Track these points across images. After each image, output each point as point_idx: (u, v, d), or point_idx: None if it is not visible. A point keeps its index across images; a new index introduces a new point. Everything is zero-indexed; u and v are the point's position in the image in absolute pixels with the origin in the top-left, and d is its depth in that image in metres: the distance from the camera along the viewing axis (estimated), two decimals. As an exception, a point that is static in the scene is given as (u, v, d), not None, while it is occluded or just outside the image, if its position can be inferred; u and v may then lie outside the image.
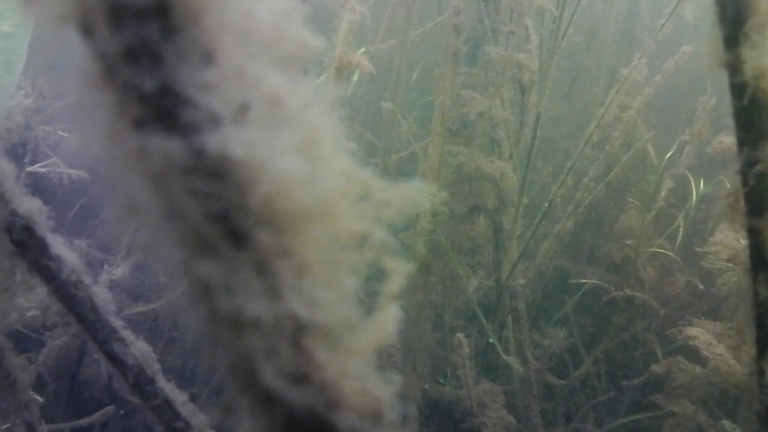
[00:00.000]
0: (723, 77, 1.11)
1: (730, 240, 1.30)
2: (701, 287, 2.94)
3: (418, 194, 0.49)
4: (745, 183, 1.16)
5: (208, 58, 0.39)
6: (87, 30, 0.39)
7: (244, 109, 0.40)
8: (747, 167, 1.13)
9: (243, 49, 0.41)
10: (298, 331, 0.42)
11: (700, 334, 1.55)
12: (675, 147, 3.11)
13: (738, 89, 1.08)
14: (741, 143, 1.14)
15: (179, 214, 0.39)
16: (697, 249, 2.79)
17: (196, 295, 0.42)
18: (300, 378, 0.43)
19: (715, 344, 1.53)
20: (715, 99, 3.00)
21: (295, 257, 0.41)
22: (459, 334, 2.42)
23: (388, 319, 0.52)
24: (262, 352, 0.41)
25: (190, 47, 0.39)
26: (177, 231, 0.40)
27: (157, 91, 0.38)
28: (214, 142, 0.38)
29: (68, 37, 0.39)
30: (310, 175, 0.41)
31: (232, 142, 0.38)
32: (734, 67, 1.07)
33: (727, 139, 1.31)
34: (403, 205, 0.51)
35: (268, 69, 0.42)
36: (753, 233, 1.22)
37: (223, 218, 0.39)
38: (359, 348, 0.47)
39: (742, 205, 1.20)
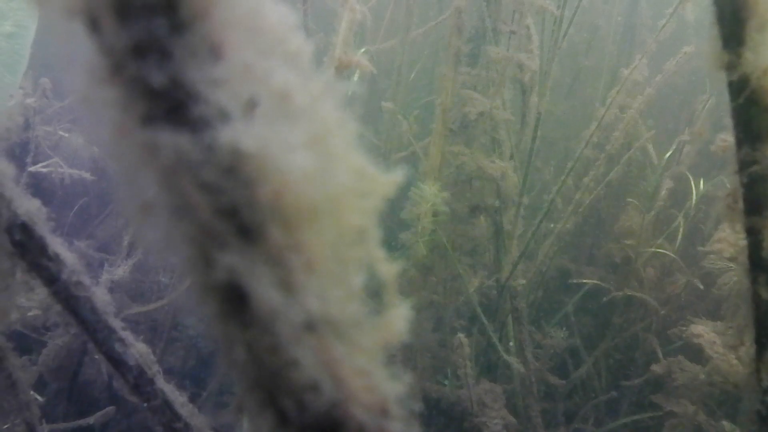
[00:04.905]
0: (723, 77, 1.11)
1: (734, 237, 1.30)
2: (701, 287, 2.94)
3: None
4: (743, 183, 1.16)
5: (216, 53, 0.39)
6: (93, 25, 0.39)
7: (252, 104, 0.40)
8: (745, 167, 1.14)
9: (251, 45, 0.41)
10: (312, 327, 0.42)
11: (705, 332, 1.55)
12: (675, 147, 3.11)
13: (736, 89, 1.08)
14: (739, 143, 1.14)
15: (189, 210, 0.39)
16: (698, 248, 2.79)
17: (209, 290, 0.42)
18: (317, 373, 0.42)
19: (718, 343, 1.53)
20: (714, 99, 3.00)
21: (305, 252, 0.41)
22: (460, 334, 2.42)
23: (398, 317, 0.51)
24: (282, 346, 0.41)
25: (198, 43, 0.39)
26: (188, 227, 0.40)
27: (166, 86, 0.38)
28: (225, 136, 0.38)
29: (74, 32, 0.39)
30: (321, 170, 0.41)
31: (243, 136, 0.38)
32: (733, 67, 1.07)
33: (730, 138, 1.31)
34: (392, 191, 0.50)
35: (277, 65, 0.42)
36: (752, 233, 1.22)
37: (233, 213, 0.39)
38: (367, 345, 0.47)
39: (740, 205, 1.20)
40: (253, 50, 0.41)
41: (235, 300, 0.41)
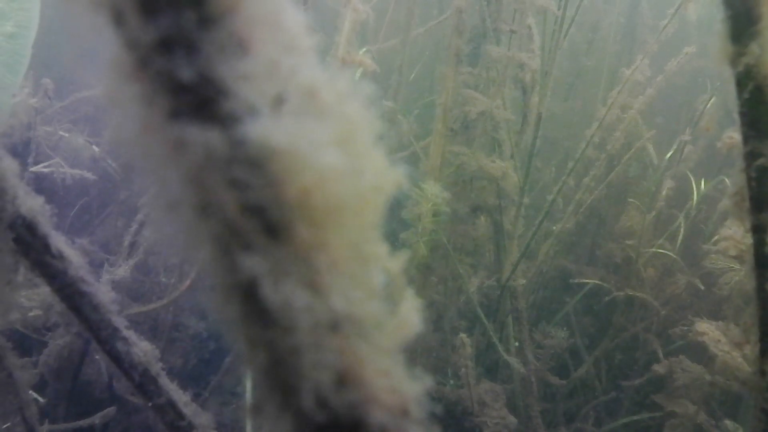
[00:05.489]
0: (724, 77, 1.12)
1: (739, 235, 1.30)
2: (702, 287, 2.95)
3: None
4: (750, 180, 1.16)
5: (244, 48, 0.39)
6: (119, 19, 0.38)
7: (280, 100, 0.40)
8: (752, 164, 1.14)
9: (276, 41, 0.40)
10: (336, 326, 0.42)
11: (709, 330, 1.55)
12: (676, 147, 3.11)
13: (745, 84, 1.08)
14: (746, 139, 1.14)
15: (216, 207, 0.39)
16: (702, 246, 2.79)
17: (232, 291, 0.41)
18: (341, 374, 0.42)
19: (723, 341, 1.53)
20: (715, 98, 3.00)
21: (330, 252, 0.41)
22: (461, 334, 2.41)
23: (411, 312, 0.51)
24: (305, 347, 0.41)
25: (226, 37, 0.38)
26: (213, 225, 0.39)
27: (194, 81, 0.38)
28: (254, 132, 0.37)
29: (99, 26, 0.38)
30: (349, 168, 0.40)
31: (273, 132, 0.38)
32: (741, 63, 1.07)
33: (737, 135, 1.31)
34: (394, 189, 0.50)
35: (302, 61, 0.41)
36: (758, 231, 1.22)
37: (260, 211, 0.39)
38: (388, 344, 0.46)
39: (747, 203, 1.20)
40: (278, 46, 0.40)
41: (259, 300, 0.40)
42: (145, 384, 1.24)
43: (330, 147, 0.40)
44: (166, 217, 0.40)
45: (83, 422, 2.20)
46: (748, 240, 1.26)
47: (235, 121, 0.38)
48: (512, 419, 2.57)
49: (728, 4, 1.03)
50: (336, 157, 0.40)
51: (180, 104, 0.38)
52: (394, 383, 0.46)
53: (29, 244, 1.11)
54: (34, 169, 2.22)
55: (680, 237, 3.06)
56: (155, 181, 0.39)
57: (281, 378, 0.43)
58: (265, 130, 0.38)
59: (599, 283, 3.10)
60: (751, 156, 1.13)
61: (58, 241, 1.13)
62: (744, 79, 1.08)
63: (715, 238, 1.42)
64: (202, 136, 0.37)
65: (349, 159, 0.40)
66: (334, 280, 0.42)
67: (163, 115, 0.38)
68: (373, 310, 0.44)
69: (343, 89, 0.42)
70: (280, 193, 0.38)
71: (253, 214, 0.39)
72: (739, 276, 2.29)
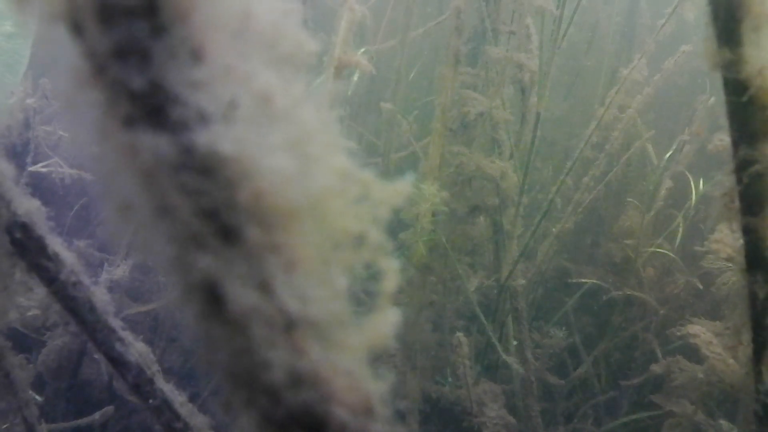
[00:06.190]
0: (719, 76, 1.12)
1: (731, 238, 1.30)
2: (701, 287, 2.94)
3: (414, 191, 0.49)
4: (739, 182, 1.16)
5: (197, 56, 0.40)
6: (77, 28, 0.39)
7: (232, 106, 0.40)
8: (741, 166, 1.14)
9: (234, 48, 0.41)
10: (290, 326, 0.43)
11: (701, 332, 1.55)
12: (674, 147, 3.11)
13: (733, 88, 1.09)
14: (735, 142, 1.14)
15: (169, 210, 0.39)
16: (696, 248, 2.79)
17: (190, 291, 0.42)
18: (296, 372, 0.43)
19: (715, 343, 1.54)
20: (714, 98, 3.00)
21: (285, 253, 0.42)
22: (459, 334, 2.42)
23: (385, 320, 0.52)
24: (258, 346, 0.41)
25: (178, 45, 0.39)
26: (168, 228, 0.40)
27: (146, 89, 0.38)
28: (203, 139, 0.38)
29: (59, 35, 0.39)
30: (300, 172, 0.41)
31: (222, 139, 0.38)
32: (729, 66, 1.07)
33: (727, 138, 1.31)
34: (398, 201, 0.51)
35: (260, 67, 0.42)
36: (748, 233, 1.22)
37: (213, 214, 0.40)
38: (351, 345, 0.47)
39: (737, 204, 1.21)
40: (235, 52, 0.41)
41: (213, 300, 0.41)
42: (141, 385, 1.24)
43: (280, 152, 0.40)
44: (118, 218, 0.41)
45: (82, 421, 2.21)
46: (739, 242, 1.27)
47: (185, 128, 0.39)
48: (511, 419, 2.57)
49: (712, 5, 1.04)
50: (286, 161, 0.41)
51: (134, 111, 0.39)
52: (357, 382, 0.47)
53: (25, 246, 1.12)
54: (32, 168, 2.23)
55: (679, 237, 3.06)
56: (109, 183, 0.40)
57: (239, 376, 0.44)
58: (214, 137, 0.38)
59: (598, 282, 3.10)
60: (739, 158, 1.14)
61: (54, 243, 1.14)
62: (731, 81, 1.08)
63: (709, 239, 1.42)
64: (153, 143, 0.38)
65: (301, 163, 0.41)
66: (289, 281, 0.42)
67: (119, 122, 0.39)
68: (335, 311, 0.45)
69: (299, 94, 0.43)
70: (231, 197, 0.39)
71: (206, 216, 0.40)
72: (737, 276, 2.28)
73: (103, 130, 0.39)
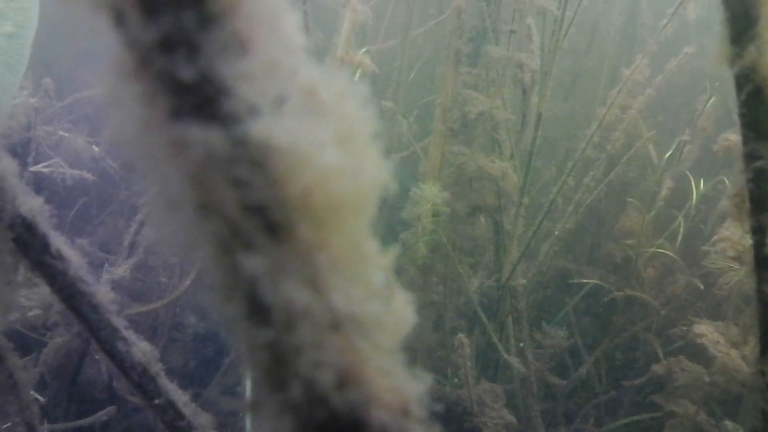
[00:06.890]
0: (723, 77, 1.12)
1: (737, 236, 1.30)
2: (702, 287, 2.95)
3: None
4: (750, 181, 1.16)
5: (244, 48, 0.39)
6: (119, 19, 0.39)
7: (281, 100, 0.40)
8: (752, 165, 1.14)
9: (276, 41, 0.40)
10: (337, 326, 0.42)
11: (708, 332, 1.55)
12: (675, 146, 3.11)
13: (743, 88, 1.09)
14: (746, 140, 1.14)
15: (217, 207, 0.39)
16: (701, 247, 2.79)
17: (233, 290, 0.41)
18: (343, 373, 0.42)
19: (722, 342, 1.54)
20: (714, 98, 3.00)
21: (331, 251, 0.41)
22: (460, 335, 2.41)
23: (404, 307, 0.51)
24: (306, 346, 0.41)
25: (227, 37, 0.38)
26: (214, 225, 0.39)
27: (195, 80, 0.38)
28: (257, 131, 0.38)
29: (99, 26, 0.39)
30: (349, 167, 0.41)
31: (275, 131, 0.38)
32: (741, 65, 1.07)
33: (733, 137, 1.31)
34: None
35: (302, 61, 0.42)
36: (757, 231, 1.22)
37: (261, 210, 0.39)
38: (387, 343, 0.46)
39: (747, 204, 1.21)
40: (278, 46, 0.41)
41: (259, 300, 0.40)
42: (144, 384, 1.24)
43: (330, 146, 0.40)
44: (166, 217, 0.40)
45: (83, 422, 2.20)
46: (747, 241, 1.27)
47: (236, 120, 0.38)
48: (512, 419, 2.57)
49: (727, 5, 1.04)
50: (336, 155, 0.40)
51: (181, 104, 0.38)
52: (395, 383, 0.46)
53: (28, 244, 1.11)
54: (34, 168, 2.22)
55: (680, 237, 3.06)
56: (155, 180, 0.39)
57: (282, 377, 0.43)
58: (267, 129, 0.38)
59: (599, 283, 3.10)
60: (750, 157, 1.13)
61: (58, 241, 1.13)
62: (743, 81, 1.08)
63: (714, 238, 1.42)
64: (203, 136, 0.37)
65: (348, 157, 0.41)
66: (336, 279, 0.42)
67: (164, 115, 0.38)
68: (373, 309, 0.45)
69: (342, 88, 0.43)
70: (281, 192, 0.39)
71: (254, 213, 0.39)
72: (739, 276, 2.29)
73: (147, 124, 0.38)
